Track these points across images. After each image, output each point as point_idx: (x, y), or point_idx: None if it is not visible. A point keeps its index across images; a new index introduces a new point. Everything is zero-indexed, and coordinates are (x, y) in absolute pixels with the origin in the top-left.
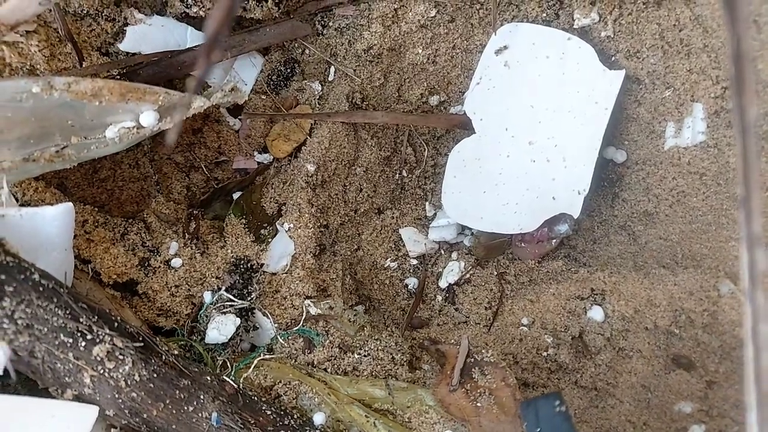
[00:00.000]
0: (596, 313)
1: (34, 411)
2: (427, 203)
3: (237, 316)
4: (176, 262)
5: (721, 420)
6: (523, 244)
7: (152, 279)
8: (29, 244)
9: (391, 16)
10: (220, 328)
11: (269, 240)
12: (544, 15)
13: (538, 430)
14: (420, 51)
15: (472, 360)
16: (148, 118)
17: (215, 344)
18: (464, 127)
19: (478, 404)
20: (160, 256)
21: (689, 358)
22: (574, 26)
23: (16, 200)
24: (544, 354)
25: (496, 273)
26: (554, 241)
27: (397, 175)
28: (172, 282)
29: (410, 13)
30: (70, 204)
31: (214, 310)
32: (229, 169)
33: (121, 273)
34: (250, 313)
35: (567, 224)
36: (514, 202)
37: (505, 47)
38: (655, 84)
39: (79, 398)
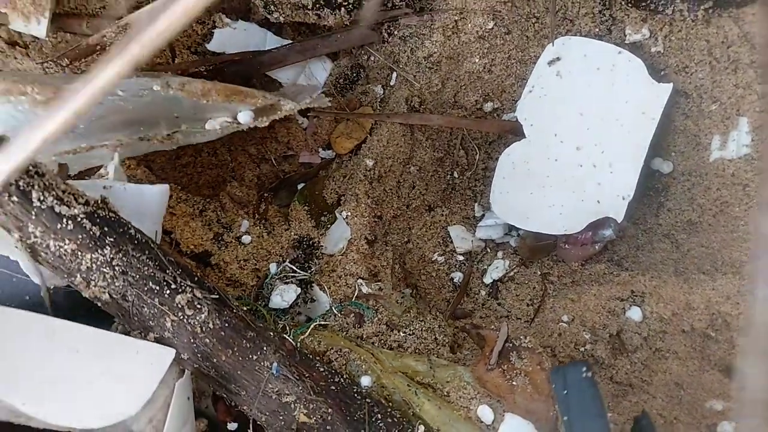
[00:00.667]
0: (635, 314)
1: (121, 346)
2: (476, 204)
3: (298, 287)
4: (246, 238)
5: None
6: (567, 246)
7: (224, 252)
8: (127, 212)
9: (452, 27)
10: (283, 295)
11: (328, 226)
12: (597, 30)
13: (565, 392)
14: (477, 60)
15: (511, 345)
16: (245, 117)
17: (277, 309)
18: (515, 132)
19: (514, 383)
20: (232, 232)
21: (728, 364)
22: (626, 41)
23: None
24: (582, 349)
25: (539, 273)
26: (598, 245)
27: (449, 175)
28: (241, 256)
29: (470, 25)
30: (167, 186)
31: (278, 280)
32: (295, 163)
33: (197, 244)
34: (309, 286)
35: (611, 229)
36: (560, 204)
37: (558, 59)
38: (702, 98)
39: (159, 341)
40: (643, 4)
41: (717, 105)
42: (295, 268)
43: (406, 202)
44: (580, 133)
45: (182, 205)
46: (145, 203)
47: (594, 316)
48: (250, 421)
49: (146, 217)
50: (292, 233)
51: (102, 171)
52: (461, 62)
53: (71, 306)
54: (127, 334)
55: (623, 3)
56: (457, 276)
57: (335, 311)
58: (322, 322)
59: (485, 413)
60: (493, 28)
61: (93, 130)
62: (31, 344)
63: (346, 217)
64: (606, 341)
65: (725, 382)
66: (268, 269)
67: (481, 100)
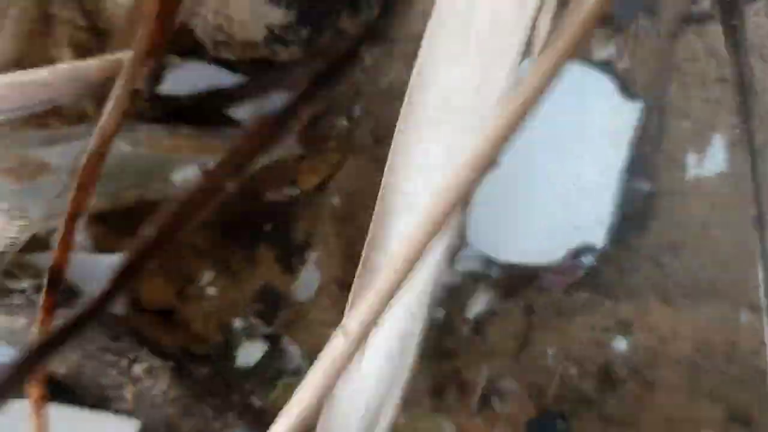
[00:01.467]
0: (620, 344)
1: (90, 421)
2: None
3: (264, 342)
4: (210, 290)
5: None
6: (548, 275)
7: (188, 307)
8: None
9: (413, 55)
10: (249, 353)
11: (299, 268)
12: None
13: None
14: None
15: (494, 388)
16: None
17: (245, 368)
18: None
19: (495, 430)
20: (194, 285)
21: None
22: (593, 58)
23: None
24: (569, 385)
25: (523, 304)
26: (579, 271)
27: None
28: (206, 309)
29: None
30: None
31: (243, 336)
32: (259, 201)
33: (160, 300)
34: (277, 339)
35: (591, 255)
36: (537, 232)
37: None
38: (674, 114)
39: (118, 413)
40: (607, 20)
41: (689, 121)
42: (259, 322)
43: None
44: (553, 158)
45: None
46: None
47: (580, 348)
48: None
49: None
50: (258, 281)
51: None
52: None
53: None
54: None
55: None
56: (439, 312)
57: (306, 365)
58: (290, 382)
59: None
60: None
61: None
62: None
63: (316, 260)
64: (593, 375)
65: (714, 410)
66: (232, 324)
67: None
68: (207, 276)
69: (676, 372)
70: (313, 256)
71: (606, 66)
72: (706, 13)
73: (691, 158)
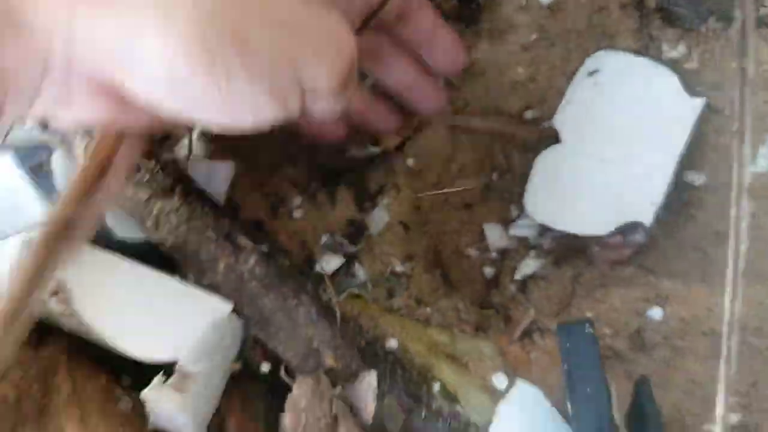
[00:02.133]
0: (656, 313)
1: (186, 294)
2: (512, 205)
3: (342, 258)
4: (297, 213)
5: (758, 414)
6: (598, 249)
7: (276, 223)
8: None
9: (498, 36)
10: (330, 263)
11: (370, 211)
12: (635, 46)
13: (567, 345)
14: (521, 70)
15: (536, 326)
16: None
17: (321, 274)
18: (552, 138)
19: (532, 356)
20: (285, 207)
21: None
22: (663, 57)
23: None
24: (601, 342)
25: (570, 274)
26: (629, 249)
27: (488, 177)
28: (291, 228)
29: (514, 36)
30: (233, 163)
31: (326, 249)
32: (344, 156)
33: (254, 213)
34: (351, 261)
35: (642, 234)
36: (590, 207)
37: (597, 70)
38: (734, 114)
39: (211, 283)
40: (678, 22)
41: (748, 120)
42: (344, 241)
43: (444, 197)
44: (613, 141)
45: (244, 179)
46: (213, 174)
47: (616, 315)
48: (282, 364)
49: (211, 187)
50: (337, 214)
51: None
52: (505, 71)
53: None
54: (185, 277)
55: (660, 21)
56: (489, 271)
57: (370, 284)
58: (357, 292)
59: (499, 381)
60: (537, 40)
61: None
62: (120, 285)
63: (386, 204)
64: (626, 337)
65: (737, 379)
66: (319, 239)
67: (524, 107)
68: (296, 201)
69: (706, 344)
70: (384, 201)
71: (674, 63)
72: None
73: (747, 156)
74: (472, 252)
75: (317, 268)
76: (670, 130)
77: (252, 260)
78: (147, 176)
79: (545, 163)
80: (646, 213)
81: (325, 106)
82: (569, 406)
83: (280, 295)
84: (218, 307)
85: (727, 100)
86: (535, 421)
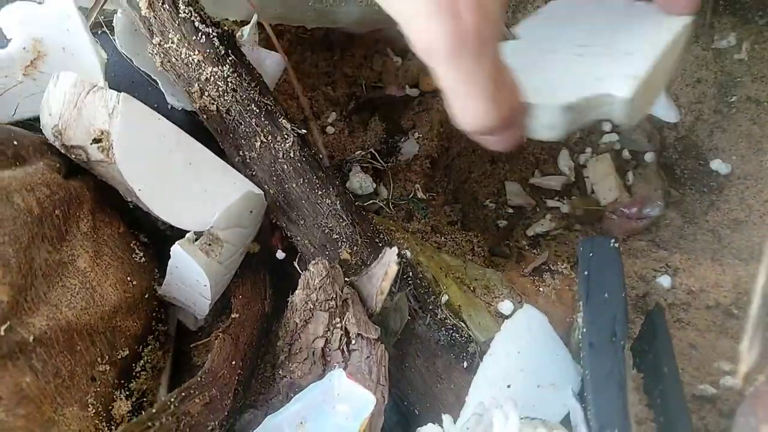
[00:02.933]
0: (664, 281)
1: (225, 173)
2: (536, 170)
3: (373, 180)
4: (330, 129)
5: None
6: (614, 217)
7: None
8: None
9: None
10: (362, 184)
11: (401, 142)
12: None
13: (591, 254)
14: None
15: (547, 267)
16: None
17: (352, 192)
18: None
19: (541, 290)
20: (320, 120)
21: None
22: (711, 47)
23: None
24: None
25: (580, 237)
26: (643, 221)
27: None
28: (321, 141)
29: None
30: (284, 57)
31: (356, 164)
32: (382, 93)
33: (291, 118)
34: (381, 178)
35: (658, 208)
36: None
37: None
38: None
39: (244, 160)
40: (741, 12)
41: None
42: (377, 156)
43: (471, 148)
44: (592, 32)
45: (286, 84)
46: (263, 66)
47: (626, 279)
48: (298, 253)
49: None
50: (368, 140)
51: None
52: None
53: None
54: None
55: (721, 8)
56: (503, 223)
57: (392, 203)
58: (380, 205)
59: (506, 307)
60: None
61: None
62: (160, 147)
63: (418, 138)
64: (632, 302)
65: (737, 348)
66: (350, 154)
67: None
68: (331, 117)
69: (708, 317)
70: (416, 135)
71: (721, 54)
72: None
73: None
74: (490, 204)
75: (350, 184)
76: (651, 36)
77: (289, 142)
78: (203, 38)
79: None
80: (623, 85)
81: None
82: (582, 312)
83: (309, 182)
84: (249, 186)
85: (766, 91)
86: (536, 342)
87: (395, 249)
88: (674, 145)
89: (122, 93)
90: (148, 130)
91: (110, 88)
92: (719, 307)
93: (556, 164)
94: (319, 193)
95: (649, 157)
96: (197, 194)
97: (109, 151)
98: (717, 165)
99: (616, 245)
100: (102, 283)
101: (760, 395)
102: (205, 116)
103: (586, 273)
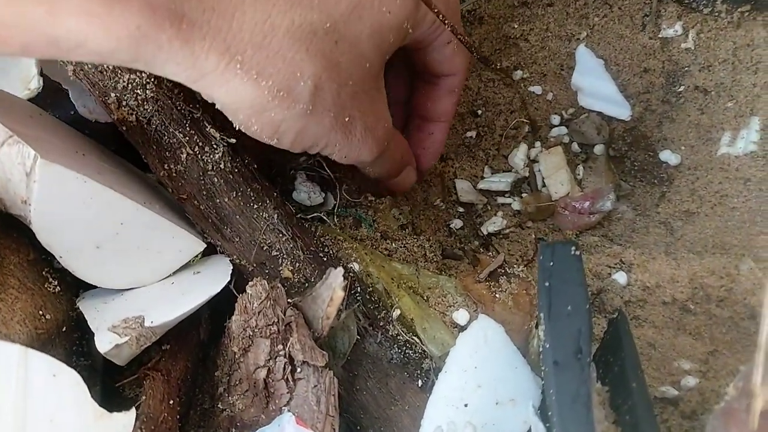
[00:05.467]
0: (620, 277)
1: (160, 228)
2: (486, 166)
3: (321, 190)
4: None
5: (715, 381)
6: (566, 213)
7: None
8: None
9: None
10: (311, 195)
11: None
12: (635, 20)
13: (551, 263)
14: (516, 26)
15: (503, 271)
16: None
17: (300, 203)
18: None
19: (497, 296)
20: None
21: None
22: (659, 35)
23: None
24: None
25: (534, 236)
26: (595, 216)
27: (466, 133)
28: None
29: None
30: None
31: (302, 171)
32: None
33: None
34: (329, 187)
35: (609, 202)
36: None
37: None
38: (720, 95)
39: (170, 174)
40: (686, 1)
41: (733, 103)
42: (324, 164)
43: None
44: None
45: None
46: None
47: None
48: (234, 273)
49: None
50: None
51: None
52: (501, 25)
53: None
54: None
55: None
56: (455, 223)
57: (337, 213)
58: (324, 217)
59: (461, 316)
60: None
61: None
62: (87, 212)
63: None
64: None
65: (696, 345)
66: (296, 158)
67: (512, 67)
68: None
69: (665, 313)
70: None
71: (668, 43)
72: None
73: (726, 137)
74: (440, 204)
75: (296, 196)
76: None
77: (219, 153)
78: None
79: None
80: None
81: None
82: (543, 325)
83: (243, 195)
84: (189, 240)
85: (714, 81)
86: (494, 355)
87: (340, 270)
88: (623, 136)
89: (40, 159)
90: (71, 196)
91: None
92: (675, 303)
93: (506, 160)
94: (255, 206)
95: (598, 149)
96: (130, 254)
97: (28, 212)
98: (666, 156)
99: (577, 253)
100: (8, 320)
101: (732, 412)
102: (124, 128)
103: (546, 284)
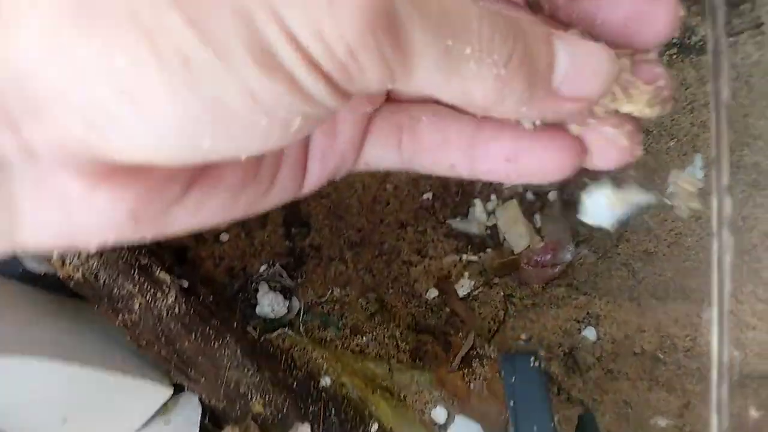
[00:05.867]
0: (589, 333)
1: (119, 385)
2: (446, 222)
3: (284, 298)
4: (224, 236)
5: None
6: (529, 268)
7: (201, 248)
8: None
9: None
10: (274, 307)
11: (301, 238)
12: None
13: (513, 379)
14: None
15: (475, 352)
16: None
17: (263, 317)
18: None
19: (472, 386)
20: (210, 229)
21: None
22: None
23: None
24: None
25: (502, 294)
26: (558, 267)
27: (422, 196)
28: (217, 253)
29: None
30: None
31: (263, 282)
32: None
33: (175, 237)
34: (290, 293)
35: (569, 253)
36: None
37: None
38: (662, 135)
39: (126, 324)
40: None
41: (674, 142)
42: (284, 273)
43: (379, 217)
44: None
45: None
46: None
47: (550, 335)
48: (207, 411)
49: None
50: (269, 236)
51: None
52: None
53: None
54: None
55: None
56: (432, 293)
57: (302, 321)
58: (289, 332)
59: (439, 415)
60: None
61: None
62: (44, 390)
63: (311, 241)
64: (560, 359)
65: (670, 399)
66: (255, 269)
67: None
68: (223, 224)
69: (637, 364)
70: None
71: None
72: (700, 44)
73: (673, 175)
74: (404, 269)
75: (260, 310)
76: None
77: (171, 297)
78: None
79: None
80: None
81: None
82: None
83: (202, 336)
84: (150, 388)
85: (655, 121)
86: None
87: (307, 428)
88: (575, 180)
89: None
90: (26, 382)
91: None
92: (645, 354)
93: (467, 215)
94: (216, 345)
95: (552, 195)
96: (99, 418)
97: None
98: None
99: (537, 363)
100: None
101: None
102: (72, 283)
103: (512, 403)
